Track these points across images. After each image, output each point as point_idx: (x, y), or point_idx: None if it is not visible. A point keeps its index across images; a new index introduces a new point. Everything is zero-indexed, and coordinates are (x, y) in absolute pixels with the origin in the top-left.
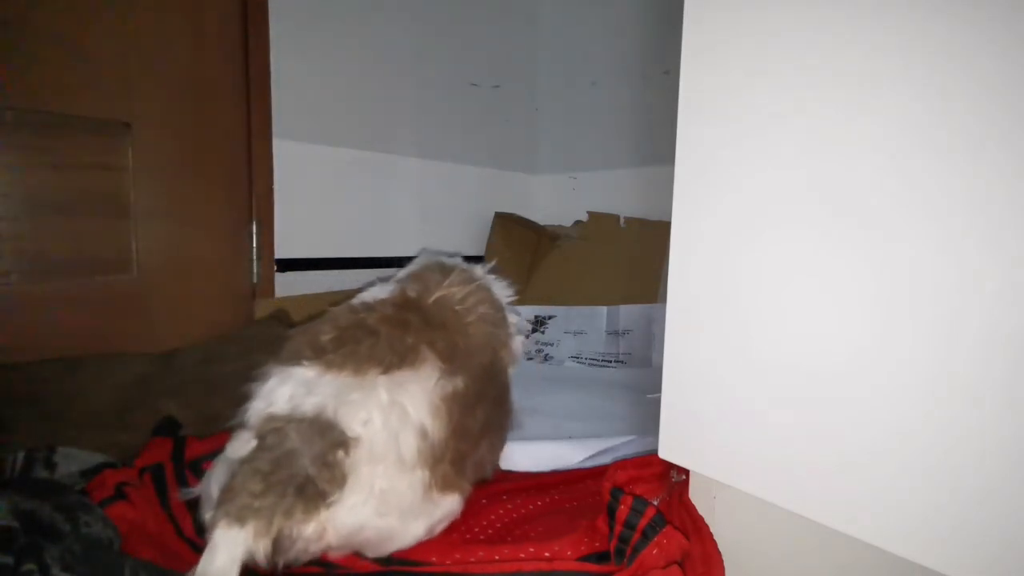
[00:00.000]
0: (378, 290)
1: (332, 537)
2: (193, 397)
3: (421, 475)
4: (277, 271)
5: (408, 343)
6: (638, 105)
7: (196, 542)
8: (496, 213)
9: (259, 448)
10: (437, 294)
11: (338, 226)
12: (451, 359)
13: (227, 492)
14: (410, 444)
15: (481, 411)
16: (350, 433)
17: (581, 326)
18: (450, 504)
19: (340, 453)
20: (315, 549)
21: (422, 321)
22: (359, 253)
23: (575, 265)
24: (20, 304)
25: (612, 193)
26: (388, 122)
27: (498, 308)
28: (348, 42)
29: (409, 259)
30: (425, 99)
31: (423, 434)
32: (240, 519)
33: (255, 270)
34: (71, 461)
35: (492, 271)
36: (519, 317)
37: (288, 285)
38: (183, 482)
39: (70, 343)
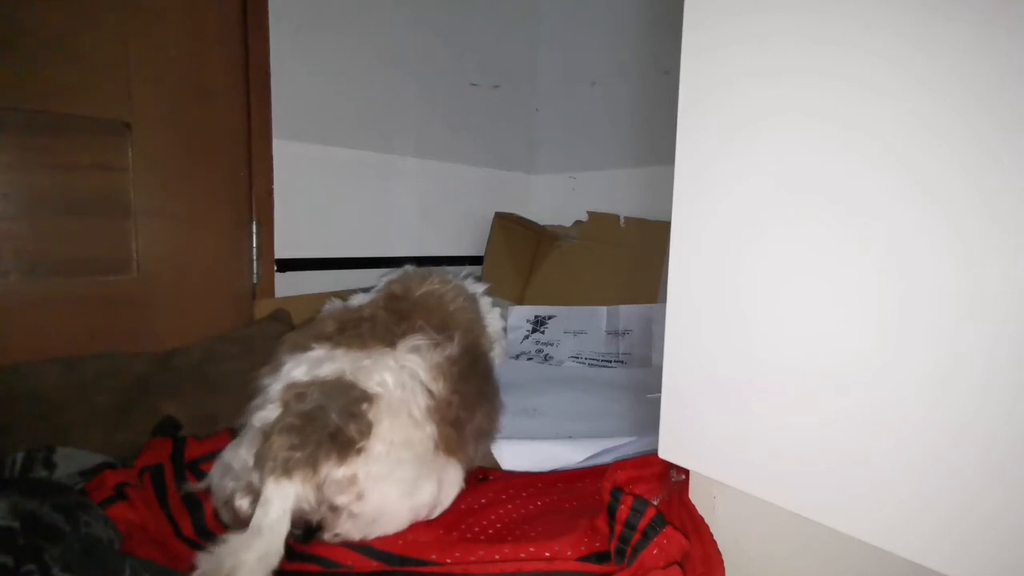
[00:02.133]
0: (362, 297)
1: (362, 485)
2: (193, 397)
3: (430, 430)
4: (277, 271)
5: (403, 326)
6: (638, 105)
7: (195, 542)
8: (496, 213)
9: (286, 411)
10: (421, 290)
11: (338, 226)
12: (442, 331)
13: (266, 451)
14: (419, 400)
15: (474, 382)
16: (370, 391)
17: (581, 326)
18: (455, 472)
19: (364, 405)
20: (345, 502)
21: (411, 307)
22: (359, 253)
23: (575, 265)
24: (20, 304)
25: (612, 193)
26: (388, 122)
27: (472, 299)
28: (348, 42)
29: (409, 259)
30: (425, 99)
31: (429, 392)
32: (287, 471)
33: (255, 270)
34: (71, 461)
35: (469, 275)
36: (501, 321)
37: (288, 285)
38: (183, 483)
39: (70, 343)
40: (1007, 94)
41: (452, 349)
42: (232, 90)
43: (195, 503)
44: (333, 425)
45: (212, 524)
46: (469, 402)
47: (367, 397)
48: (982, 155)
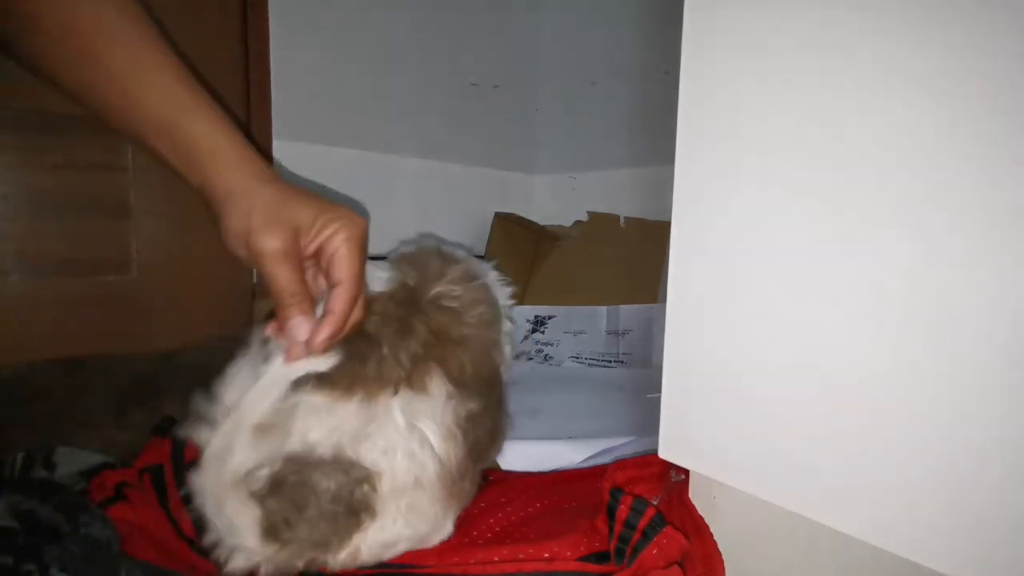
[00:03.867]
0: (372, 272)
1: (366, 555)
2: (192, 397)
3: (442, 494)
4: None
5: (415, 352)
6: (638, 105)
7: (196, 541)
8: (496, 213)
9: (278, 491)
10: (436, 289)
11: None
12: (461, 380)
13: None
14: (430, 470)
15: (489, 419)
16: (372, 468)
17: (581, 326)
18: (458, 508)
19: (366, 487)
20: (349, 567)
21: (427, 330)
22: None
23: (575, 265)
24: (20, 304)
25: (612, 193)
26: (388, 122)
27: (496, 308)
28: (348, 42)
29: None
30: (425, 99)
31: (441, 459)
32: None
33: (255, 270)
34: (71, 461)
35: (495, 268)
36: (513, 326)
37: None
38: (182, 483)
39: (70, 343)
40: (1008, 94)
41: (470, 404)
42: (232, 90)
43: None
44: (330, 512)
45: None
46: (483, 447)
47: (370, 479)
48: (982, 157)
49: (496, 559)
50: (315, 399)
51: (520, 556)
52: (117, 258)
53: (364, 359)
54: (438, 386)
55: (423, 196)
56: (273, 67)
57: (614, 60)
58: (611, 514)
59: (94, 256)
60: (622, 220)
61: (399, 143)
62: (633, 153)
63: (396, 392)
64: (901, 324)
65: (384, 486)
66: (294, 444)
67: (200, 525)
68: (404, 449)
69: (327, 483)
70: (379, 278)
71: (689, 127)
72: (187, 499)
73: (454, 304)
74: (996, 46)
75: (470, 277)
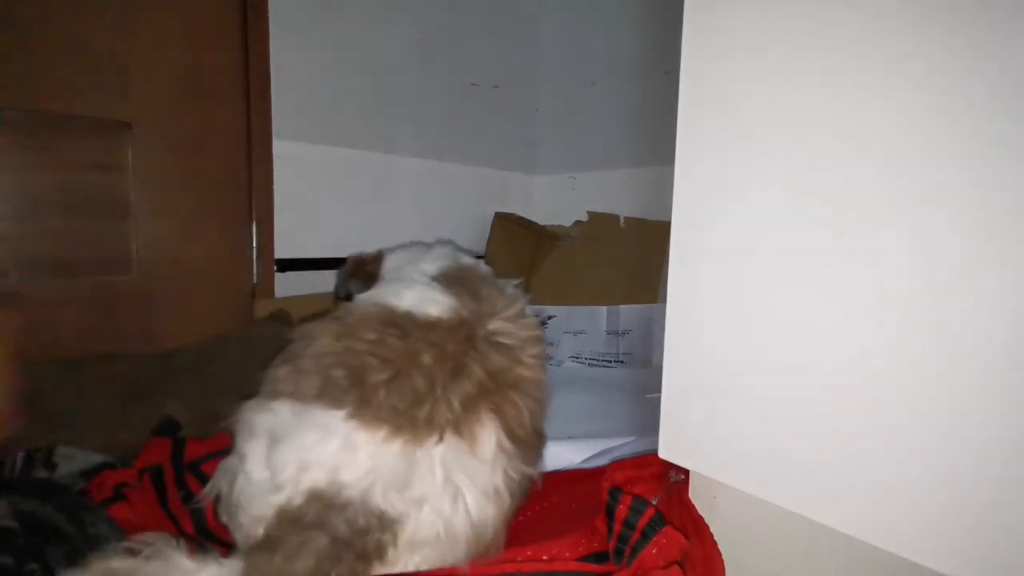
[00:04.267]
0: (429, 295)
1: None
2: (193, 397)
3: (463, 552)
4: (277, 271)
5: (467, 395)
6: (638, 105)
7: (197, 540)
8: (496, 213)
9: (285, 519)
10: (492, 326)
11: (338, 226)
12: (517, 436)
13: (255, 565)
14: (457, 528)
15: (533, 469)
16: (395, 514)
17: (581, 326)
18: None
19: (386, 536)
20: None
21: (483, 371)
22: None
23: (575, 265)
24: (20, 304)
25: (612, 193)
26: (388, 122)
27: (543, 343)
28: (348, 42)
29: None
30: (425, 99)
31: (473, 520)
32: None
33: (255, 270)
34: (71, 461)
35: (519, 285)
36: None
37: (288, 285)
38: (182, 484)
39: (70, 343)
40: (1008, 94)
41: (521, 466)
42: (232, 90)
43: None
44: (336, 559)
45: (213, 524)
46: (519, 501)
47: (390, 527)
48: (982, 158)
49: (496, 561)
50: (358, 436)
51: (519, 558)
52: (117, 258)
53: (418, 402)
54: (488, 438)
55: (423, 196)
56: (273, 67)
57: (614, 60)
58: (610, 514)
59: (94, 256)
60: (622, 220)
61: (399, 143)
62: (633, 153)
63: (441, 439)
64: (900, 324)
65: (403, 537)
66: (320, 479)
67: (201, 524)
68: (434, 504)
69: (343, 529)
70: (435, 301)
71: (689, 127)
72: (187, 499)
73: (510, 342)
74: (996, 47)
75: (525, 313)
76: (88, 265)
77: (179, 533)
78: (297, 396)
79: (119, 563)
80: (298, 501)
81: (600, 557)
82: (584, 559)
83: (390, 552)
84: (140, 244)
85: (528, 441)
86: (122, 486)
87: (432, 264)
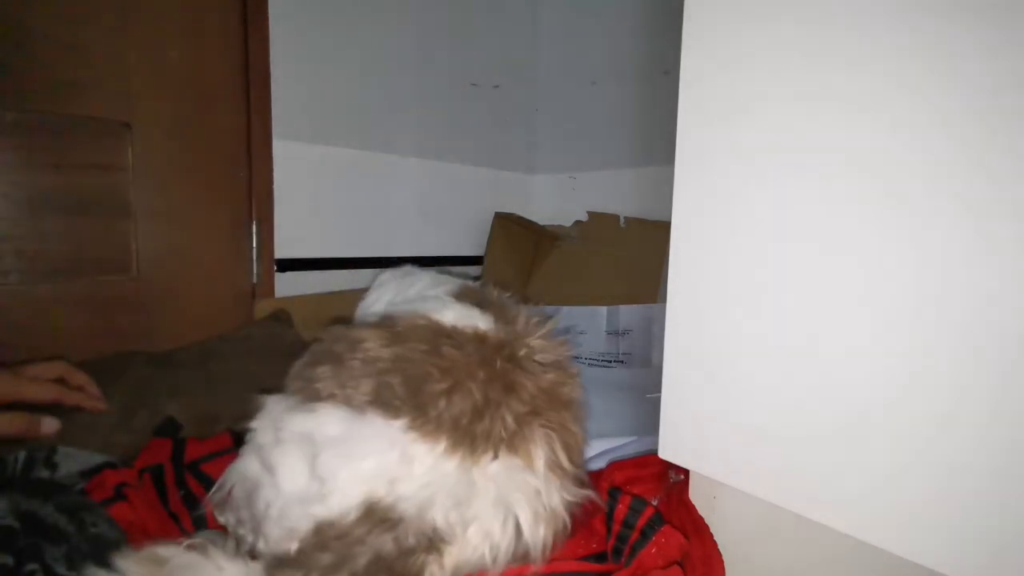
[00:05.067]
0: (471, 313)
1: None
2: (193, 397)
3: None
4: (277, 271)
5: (520, 411)
6: (638, 105)
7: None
8: (496, 213)
9: (322, 539)
10: (532, 343)
11: (338, 226)
12: (569, 456)
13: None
14: (502, 549)
15: (587, 490)
16: (447, 534)
17: (581, 326)
18: None
19: (432, 559)
20: None
21: (535, 387)
22: (359, 253)
23: (575, 265)
24: (20, 304)
25: (612, 193)
26: (388, 122)
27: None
28: (348, 42)
29: (409, 259)
30: (425, 99)
31: (520, 539)
32: None
33: (255, 270)
34: (72, 461)
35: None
36: None
37: (288, 285)
38: (182, 484)
39: (70, 343)
40: (1009, 94)
41: (586, 491)
42: (232, 90)
43: (195, 502)
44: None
45: (213, 525)
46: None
47: (437, 550)
48: (982, 158)
49: None
50: (417, 448)
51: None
52: (117, 258)
53: (477, 413)
54: (542, 457)
55: (423, 196)
56: (273, 67)
57: (614, 60)
58: (609, 513)
59: (94, 256)
60: (622, 220)
61: (399, 143)
62: (633, 153)
63: (496, 456)
64: (901, 326)
65: (448, 560)
66: (378, 491)
67: (201, 524)
68: (483, 524)
69: (389, 548)
70: (477, 318)
71: (689, 127)
72: (187, 499)
73: (551, 359)
74: (996, 48)
75: (549, 334)
76: (88, 265)
77: (180, 533)
78: (346, 400)
79: (163, 550)
80: (352, 515)
81: (600, 557)
82: (584, 559)
83: (434, 570)
84: (140, 244)
85: (579, 463)
86: (122, 486)
87: (437, 288)
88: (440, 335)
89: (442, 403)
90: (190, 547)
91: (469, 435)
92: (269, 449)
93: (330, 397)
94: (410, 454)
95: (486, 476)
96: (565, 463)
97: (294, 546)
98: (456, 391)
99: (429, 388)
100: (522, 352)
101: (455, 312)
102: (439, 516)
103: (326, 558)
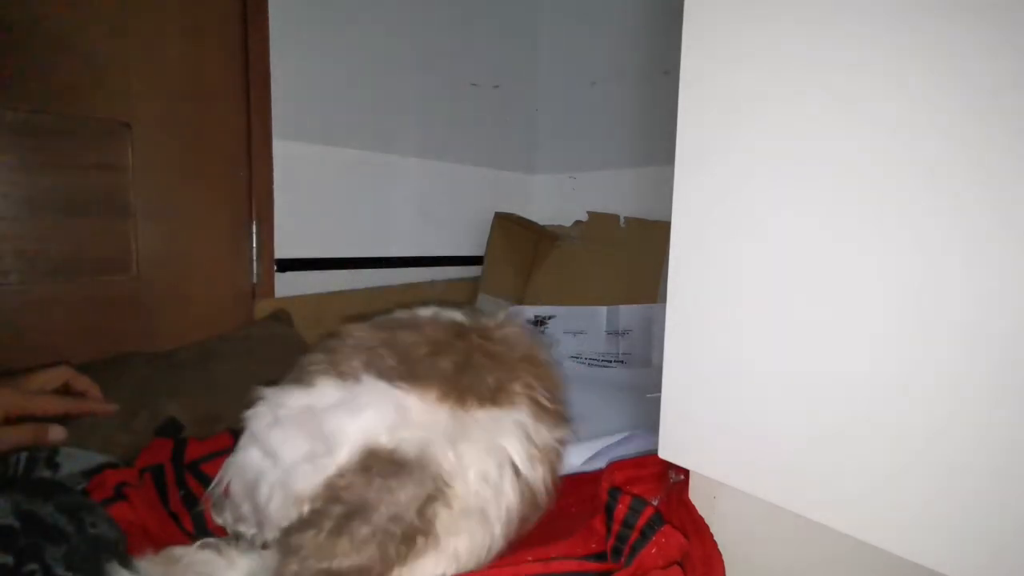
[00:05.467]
0: (430, 307)
1: None
2: (193, 397)
3: (497, 534)
4: (277, 271)
5: (499, 371)
6: (638, 105)
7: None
8: (496, 213)
9: (338, 489)
10: (498, 327)
11: (338, 226)
12: (549, 394)
13: (296, 543)
14: (504, 498)
15: (564, 433)
16: (450, 483)
17: (581, 326)
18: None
19: (439, 507)
20: None
21: (508, 356)
22: (359, 253)
23: (575, 265)
24: (20, 304)
25: (612, 193)
26: (388, 122)
27: (542, 337)
28: (348, 42)
29: (409, 259)
30: (425, 99)
31: (521, 483)
32: None
33: (255, 270)
34: (73, 461)
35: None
36: None
37: (288, 285)
38: (182, 483)
39: (70, 343)
40: (1009, 94)
41: (564, 431)
42: (232, 90)
43: (195, 502)
44: (389, 532)
45: (212, 526)
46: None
47: (445, 497)
48: (982, 160)
49: (496, 565)
50: (410, 399)
51: (518, 560)
52: (117, 258)
53: (461, 370)
54: (531, 406)
55: (423, 196)
56: (273, 67)
57: (614, 60)
58: (609, 513)
59: (94, 256)
60: (622, 220)
61: (399, 143)
62: (633, 153)
63: (482, 406)
64: (901, 325)
65: (456, 504)
66: (380, 437)
67: (201, 524)
68: (481, 471)
69: (398, 495)
70: (451, 312)
71: (689, 127)
72: (187, 499)
73: (517, 337)
74: (996, 48)
75: (516, 322)
76: (88, 265)
77: (180, 532)
78: (339, 375)
79: (178, 549)
80: (358, 463)
81: (600, 557)
82: (584, 558)
83: (443, 521)
84: (140, 244)
85: (560, 400)
86: (123, 485)
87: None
88: (421, 322)
89: (428, 362)
90: (204, 545)
91: (456, 387)
92: (267, 432)
93: (325, 374)
94: (405, 404)
95: (476, 421)
96: (547, 403)
97: (305, 508)
98: (439, 353)
99: (415, 353)
100: (496, 335)
101: (432, 310)
102: (438, 454)
103: (338, 509)
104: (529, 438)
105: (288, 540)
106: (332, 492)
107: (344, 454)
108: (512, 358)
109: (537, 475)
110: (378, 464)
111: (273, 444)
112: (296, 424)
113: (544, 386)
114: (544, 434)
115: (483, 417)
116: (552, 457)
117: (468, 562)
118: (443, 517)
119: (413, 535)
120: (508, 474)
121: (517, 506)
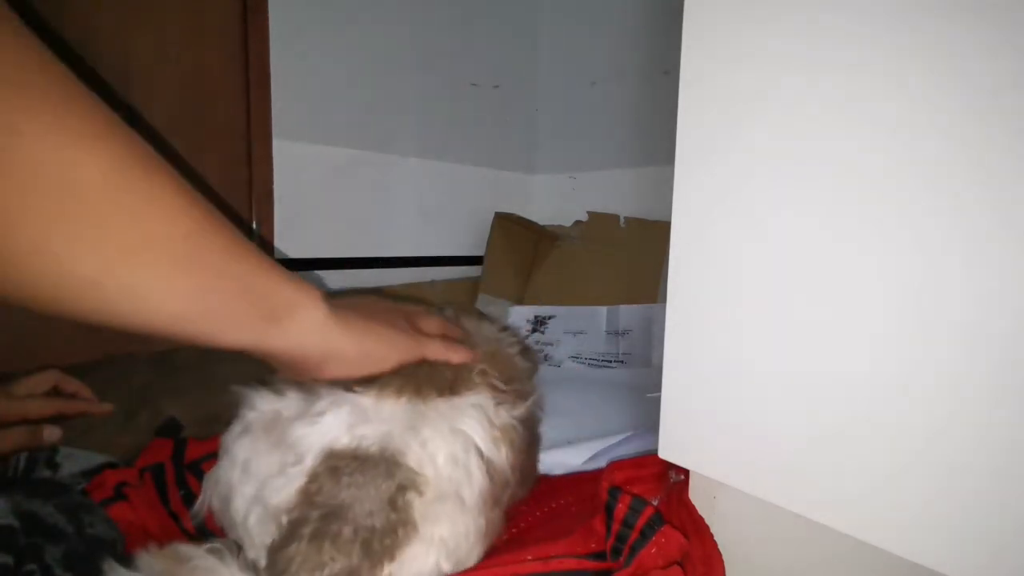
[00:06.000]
0: None
1: None
2: (193, 397)
3: (479, 522)
4: None
5: (463, 367)
6: (638, 105)
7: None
8: (496, 213)
9: (312, 495)
10: (471, 330)
11: (338, 226)
12: (506, 377)
13: (285, 564)
14: (474, 479)
15: (531, 452)
16: (419, 470)
17: (581, 326)
18: (483, 550)
19: (411, 495)
20: None
21: (472, 345)
22: (359, 253)
23: (575, 265)
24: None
25: (612, 193)
26: (388, 122)
27: (512, 330)
28: (348, 42)
29: (409, 259)
30: (425, 99)
31: (487, 464)
32: None
33: None
34: (73, 461)
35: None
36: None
37: None
38: (183, 483)
39: (69, 344)
40: (1009, 94)
41: (522, 409)
42: (232, 90)
43: (194, 502)
44: (368, 528)
45: (213, 526)
46: (525, 479)
47: (415, 484)
48: (981, 160)
49: (495, 564)
50: (365, 399)
51: (518, 559)
52: None
53: (414, 367)
54: (488, 391)
55: (423, 196)
56: (273, 67)
57: (614, 60)
58: (609, 513)
59: None
60: (622, 220)
61: (399, 143)
62: (633, 153)
63: (440, 396)
64: (901, 325)
65: (428, 495)
66: (339, 438)
67: (201, 525)
68: (449, 453)
69: (368, 490)
70: None
71: (689, 127)
72: (187, 499)
73: (500, 336)
74: (996, 48)
75: (493, 321)
76: None
77: (181, 532)
78: (298, 384)
79: (185, 549)
80: (325, 465)
81: (599, 556)
82: (584, 557)
83: (419, 507)
84: None
85: (518, 380)
86: (122, 485)
87: None
88: None
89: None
90: (211, 551)
91: (412, 381)
92: (237, 442)
93: (287, 382)
94: (360, 404)
95: (435, 410)
96: (503, 386)
97: (284, 520)
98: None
99: None
100: (471, 330)
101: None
102: (401, 444)
103: (315, 513)
104: (490, 420)
105: (275, 559)
106: (306, 498)
107: (310, 461)
108: (484, 349)
109: (502, 455)
110: (344, 463)
111: (243, 455)
112: (265, 431)
113: (499, 371)
114: (503, 414)
115: (443, 406)
116: (512, 435)
117: (456, 548)
118: (417, 505)
119: (393, 527)
120: (474, 457)
121: (489, 487)
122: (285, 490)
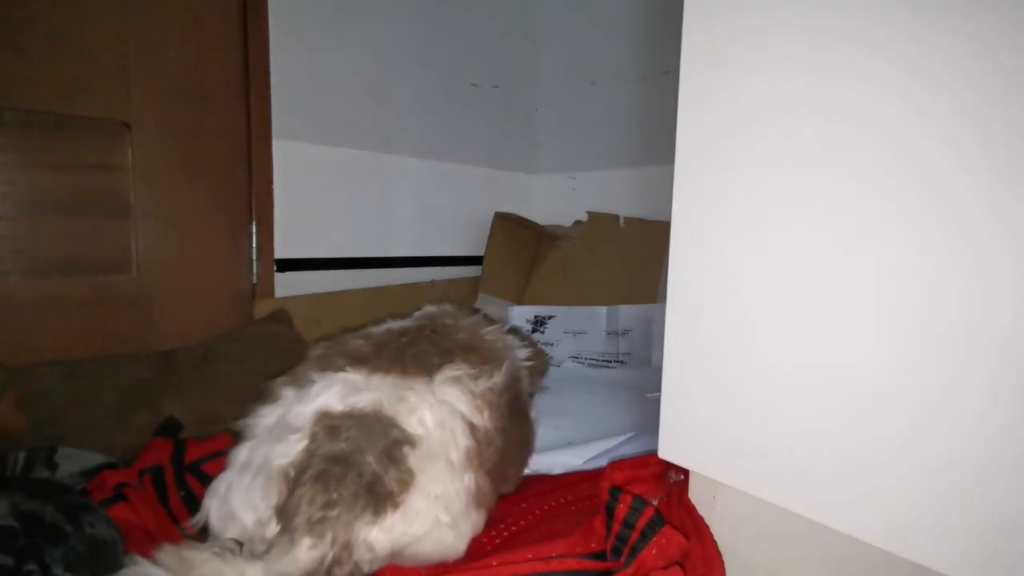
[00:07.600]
0: (391, 324)
1: (396, 543)
2: (193, 397)
3: (468, 481)
4: (277, 271)
5: (444, 350)
6: (638, 105)
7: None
8: (496, 213)
9: (315, 448)
10: (459, 327)
11: (338, 226)
12: (482, 359)
13: (294, 506)
14: (460, 441)
15: (516, 420)
16: (407, 428)
17: (581, 326)
18: (478, 519)
19: (406, 448)
20: (370, 558)
21: (452, 341)
22: (359, 253)
23: (575, 265)
24: (20, 304)
25: (612, 193)
26: (388, 122)
27: (510, 344)
28: (348, 42)
29: (409, 259)
30: (425, 99)
31: (471, 427)
32: (319, 533)
33: (255, 270)
34: (72, 461)
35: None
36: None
37: (288, 285)
38: (183, 484)
39: (70, 343)
40: (1009, 98)
41: (497, 378)
42: (232, 90)
43: (196, 502)
44: (371, 473)
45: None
46: (511, 444)
47: (408, 439)
48: (980, 161)
49: (495, 563)
50: (356, 376)
51: (519, 559)
52: (117, 258)
53: (402, 350)
54: (465, 366)
55: (423, 196)
56: (273, 67)
57: (614, 60)
58: (610, 513)
59: (94, 256)
60: (622, 220)
61: (399, 143)
62: (633, 153)
63: (427, 375)
64: (900, 325)
65: (422, 449)
66: (335, 406)
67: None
68: (436, 417)
69: (369, 439)
70: (400, 321)
71: (689, 127)
72: (187, 499)
73: (479, 331)
74: (997, 49)
75: (481, 321)
76: (88, 265)
77: (180, 533)
78: (295, 382)
79: (191, 551)
80: (321, 425)
81: (599, 556)
82: (583, 557)
83: (415, 459)
84: (140, 244)
85: (491, 361)
86: (122, 486)
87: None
88: (371, 334)
89: (373, 353)
90: (216, 553)
91: (399, 362)
92: (240, 451)
93: (285, 385)
94: (351, 381)
95: (421, 385)
96: (480, 364)
97: (292, 472)
98: (383, 348)
99: (360, 351)
100: (448, 330)
101: (383, 326)
102: (392, 407)
103: (318, 461)
104: (470, 390)
105: (285, 508)
106: (310, 453)
107: (309, 427)
108: (454, 346)
109: (484, 418)
110: (341, 422)
111: (246, 455)
112: (267, 431)
113: (477, 356)
114: (481, 383)
115: (427, 381)
116: (490, 398)
117: (450, 505)
118: (412, 458)
119: (394, 472)
120: (459, 422)
121: (475, 448)
122: (289, 452)
